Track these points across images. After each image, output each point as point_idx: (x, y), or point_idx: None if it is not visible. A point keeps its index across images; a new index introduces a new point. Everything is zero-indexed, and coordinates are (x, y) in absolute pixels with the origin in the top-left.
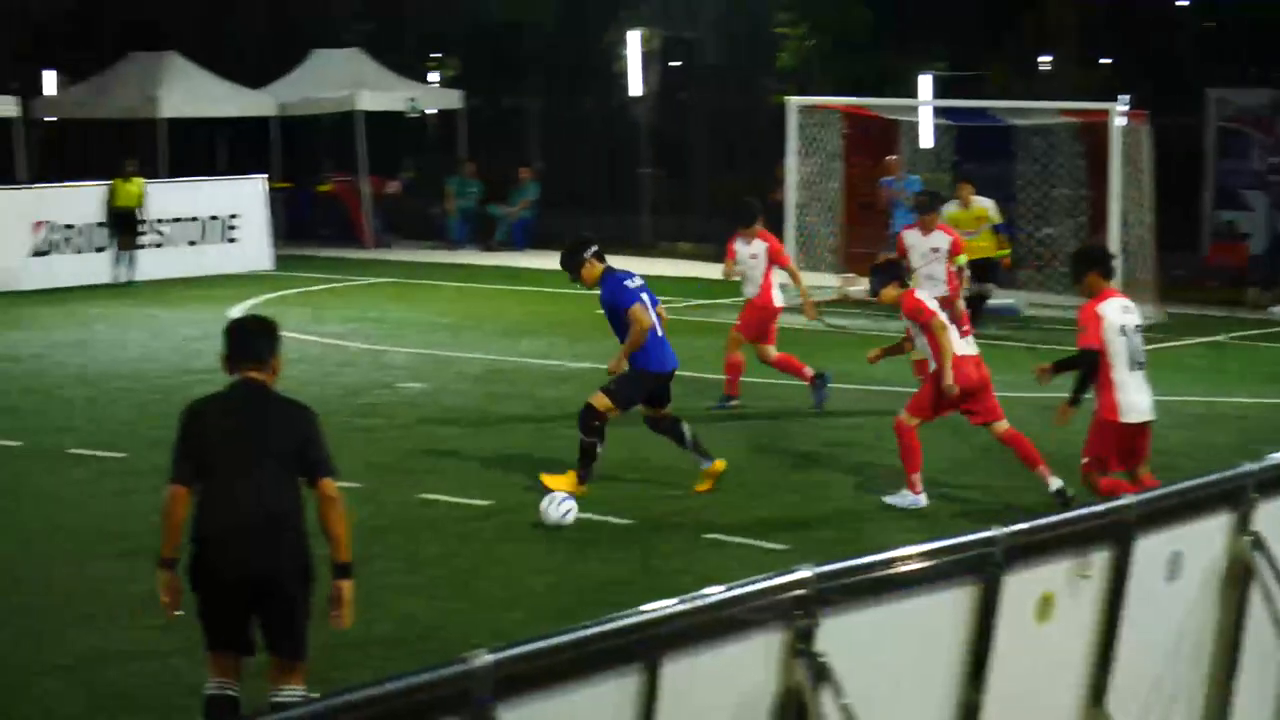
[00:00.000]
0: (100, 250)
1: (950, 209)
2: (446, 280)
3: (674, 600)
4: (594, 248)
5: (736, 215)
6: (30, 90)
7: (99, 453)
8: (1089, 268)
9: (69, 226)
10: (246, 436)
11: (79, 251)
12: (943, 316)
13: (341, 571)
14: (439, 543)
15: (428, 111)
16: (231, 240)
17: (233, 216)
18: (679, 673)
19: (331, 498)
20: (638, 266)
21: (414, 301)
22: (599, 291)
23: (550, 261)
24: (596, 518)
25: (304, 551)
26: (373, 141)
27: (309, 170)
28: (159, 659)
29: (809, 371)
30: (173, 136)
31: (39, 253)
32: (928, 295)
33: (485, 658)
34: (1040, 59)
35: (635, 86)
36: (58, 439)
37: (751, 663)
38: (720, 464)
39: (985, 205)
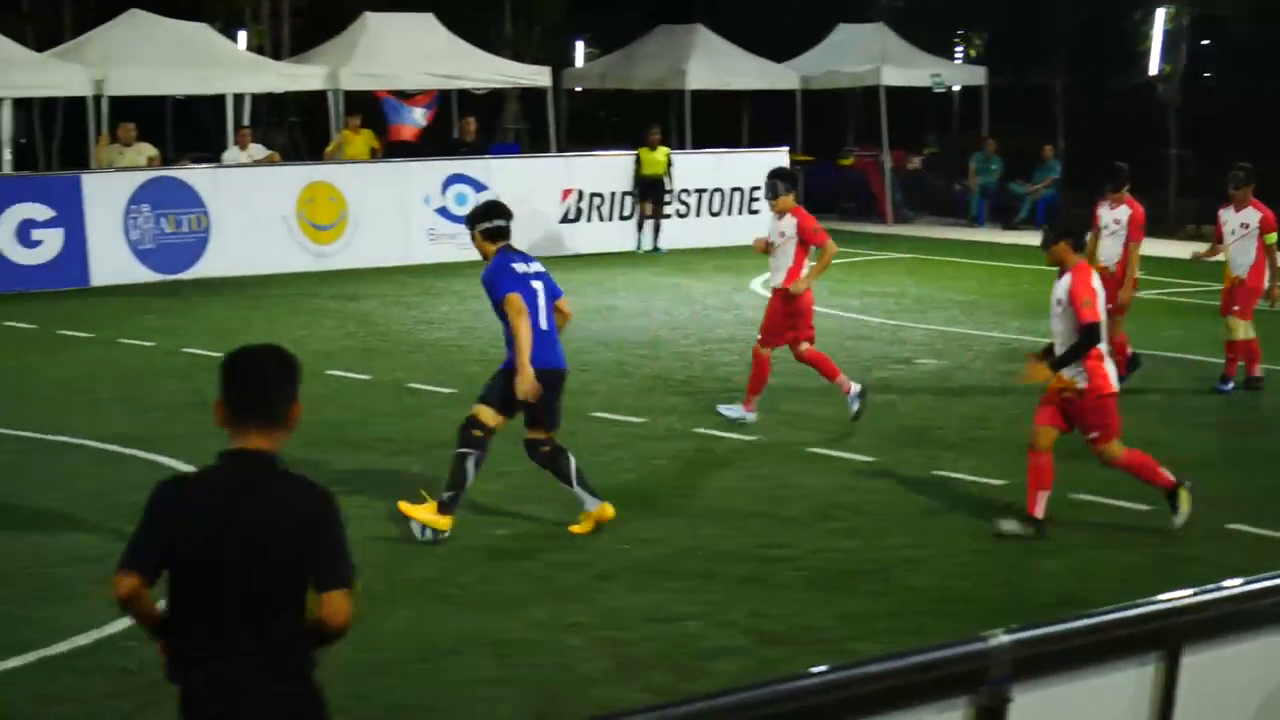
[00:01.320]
0: (625, 219)
1: None
2: (966, 257)
3: (1195, 590)
4: (488, 224)
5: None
6: (562, 61)
7: (622, 417)
8: (1061, 238)
9: (596, 194)
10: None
11: (605, 219)
12: None
13: None
14: (948, 520)
15: (952, 88)
16: (754, 212)
17: (755, 189)
18: (1200, 664)
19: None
20: (1163, 249)
21: (933, 278)
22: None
23: None
24: (1113, 502)
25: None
26: (895, 116)
27: (831, 144)
28: (675, 622)
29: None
30: (697, 108)
31: (566, 219)
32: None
33: (1002, 638)
34: None
35: (1154, 65)
36: (580, 402)
37: (1276, 657)
38: (608, 510)
39: None
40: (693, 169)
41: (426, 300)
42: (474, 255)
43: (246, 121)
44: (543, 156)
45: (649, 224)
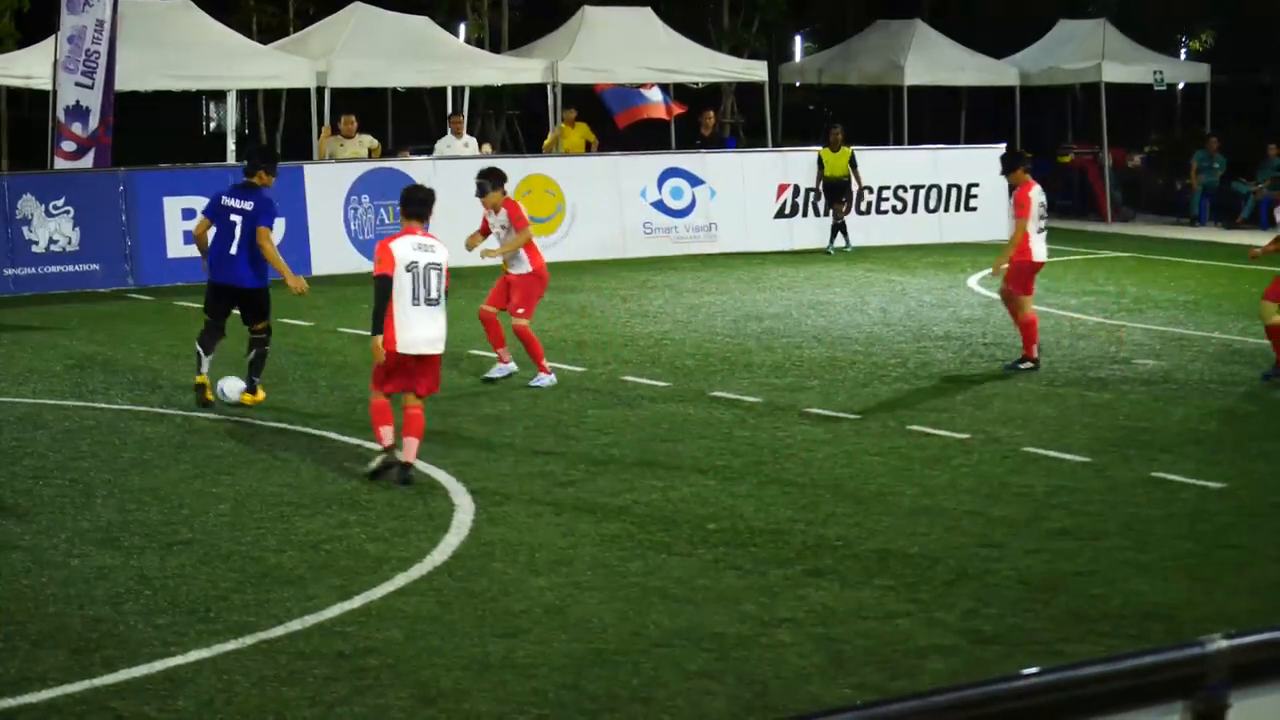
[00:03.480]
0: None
1: None
2: (1187, 257)
3: None
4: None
5: None
6: (780, 56)
7: (835, 413)
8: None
9: (811, 190)
10: None
11: (820, 215)
12: None
13: None
14: (1170, 522)
15: (1175, 85)
16: (971, 209)
17: (972, 185)
18: None
19: None
20: None
21: (1153, 277)
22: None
23: None
24: None
25: None
26: (1115, 114)
27: (1050, 141)
28: (887, 620)
29: None
30: (915, 104)
31: (782, 214)
32: None
33: (1221, 642)
34: None
35: None
36: (793, 398)
37: None
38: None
39: None
40: (910, 165)
41: (641, 293)
42: (689, 249)
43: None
44: (759, 151)
45: (836, 227)
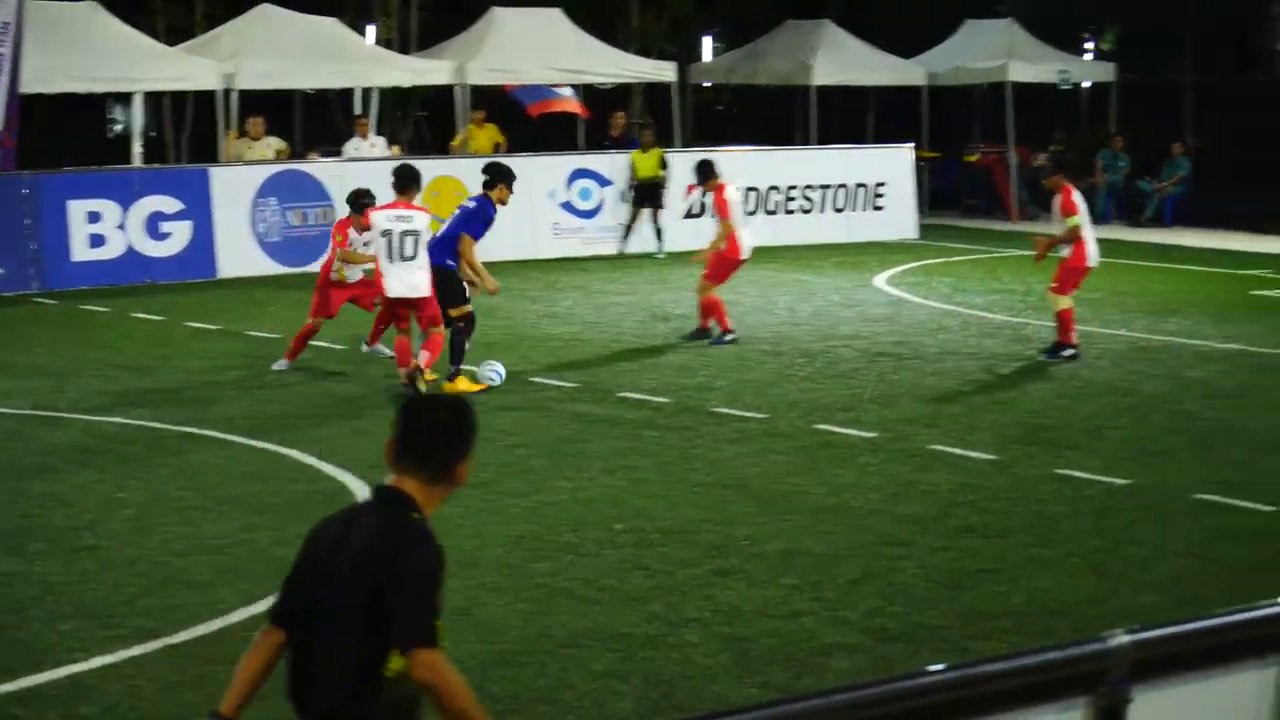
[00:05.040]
0: (749, 214)
1: None
2: None
3: None
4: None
5: None
6: (689, 56)
7: (742, 413)
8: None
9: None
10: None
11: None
12: None
13: None
14: (1075, 519)
15: (1080, 84)
16: (878, 208)
17: (880, 184)
18: None
19: (430, 679)
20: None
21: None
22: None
23: (1204, 240)
24: (1237, 503)
25: None
26: (1021, 113)
27: (957, 140)
28: (792, 618)
29: None
30: (824, 104)
31: (690, 215)
32: None
33: (1123, 638)
34: None
35: None
36: (701, 398)
37: None
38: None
39: None
40: (818, 165)
41: (550, 294)
42: (598, 250)
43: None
44: (668, 152)
45: (649, 229)
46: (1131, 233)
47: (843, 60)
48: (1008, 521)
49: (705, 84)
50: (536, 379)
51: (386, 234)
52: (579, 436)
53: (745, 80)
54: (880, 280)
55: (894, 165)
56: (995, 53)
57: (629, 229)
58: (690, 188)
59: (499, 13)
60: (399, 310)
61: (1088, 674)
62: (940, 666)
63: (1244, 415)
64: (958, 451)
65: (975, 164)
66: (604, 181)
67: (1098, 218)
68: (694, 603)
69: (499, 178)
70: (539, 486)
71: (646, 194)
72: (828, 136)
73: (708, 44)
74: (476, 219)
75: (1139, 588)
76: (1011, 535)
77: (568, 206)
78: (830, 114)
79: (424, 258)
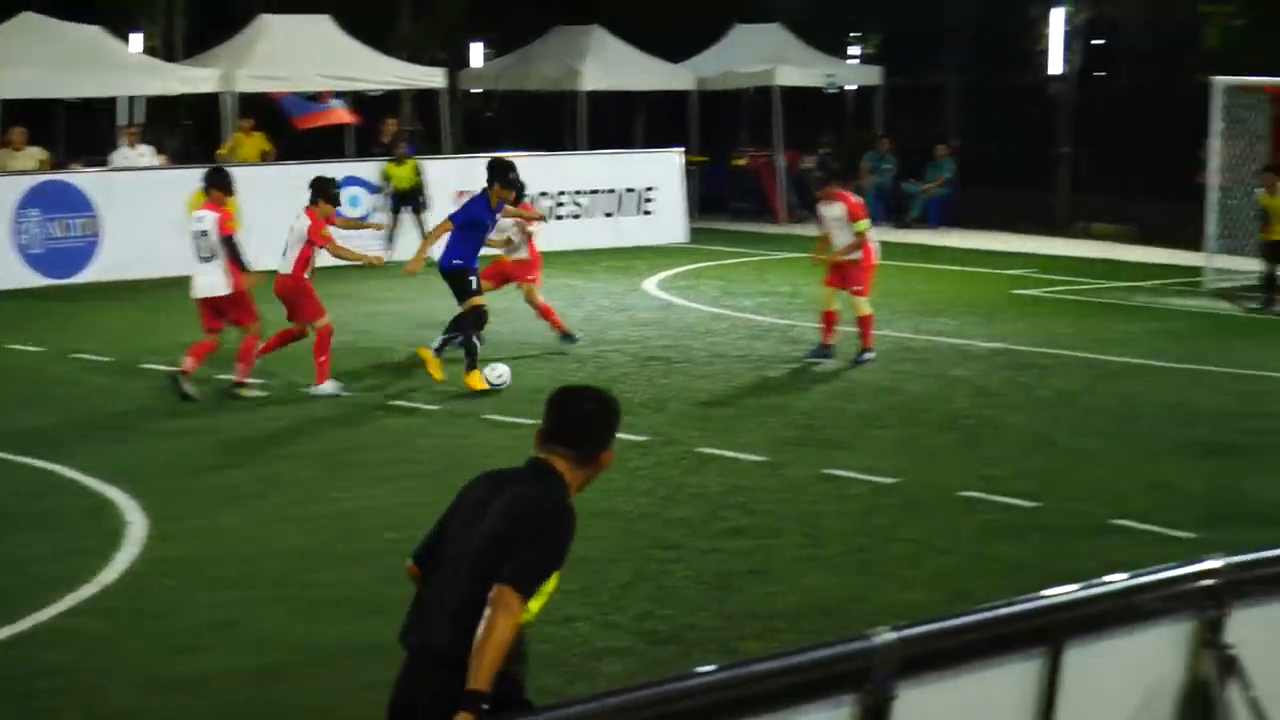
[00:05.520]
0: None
1: (1261, 195)
2: None
3: (1078, 586)
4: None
5: None
6: (459, 62)
7: (513, 419)
8: None
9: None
10: (464, 525)
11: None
12: None
13: (468, 700)
14: (843, 518)
15: (846, 87)
16: (648, 213)
17: (649, 189)
18: (1082, 659)
19: (495, 611)
20: (1052, 246)
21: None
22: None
23: (968, 240)
24: (1000, 499)
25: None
26: (790, 117)
27: (726, 144)
28: (565, 624)
29: None
30: (593, 109)
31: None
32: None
33: (888, 635)
34: None
35: (1056, 64)
36: (472, 405)
37: (1157, 652)
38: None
39: None
40: (587, 170)
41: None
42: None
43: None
44: (436, 158)
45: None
46: (897, 234)
47: (611, 65)
48: (777, 522)
49: (475, 90)
50: (306, 389)
51: (191, 236)
52: (351, 446)
53: (515, 86)
54: (650, 284)
55: (663, 169)
56: (763, 57)
57: (390, 235)
58: (459, 193)
59: (267, 19)
60: (204, 311)
61: (854, 671)
62: (710, 667)
63: (1007, 413)
64: (727, 454)
65: (744, 167)
66: (373, 189)
67: None
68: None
69: (491, 175)
70: (311, 497)
71: (406, 200)
72: (598, 141)
73: (477, 50)
74: (461, 210)
75: (906, 585)
76: (781, 535)
77: (337, 214)
78: (600, 119)
79: (221, 258)
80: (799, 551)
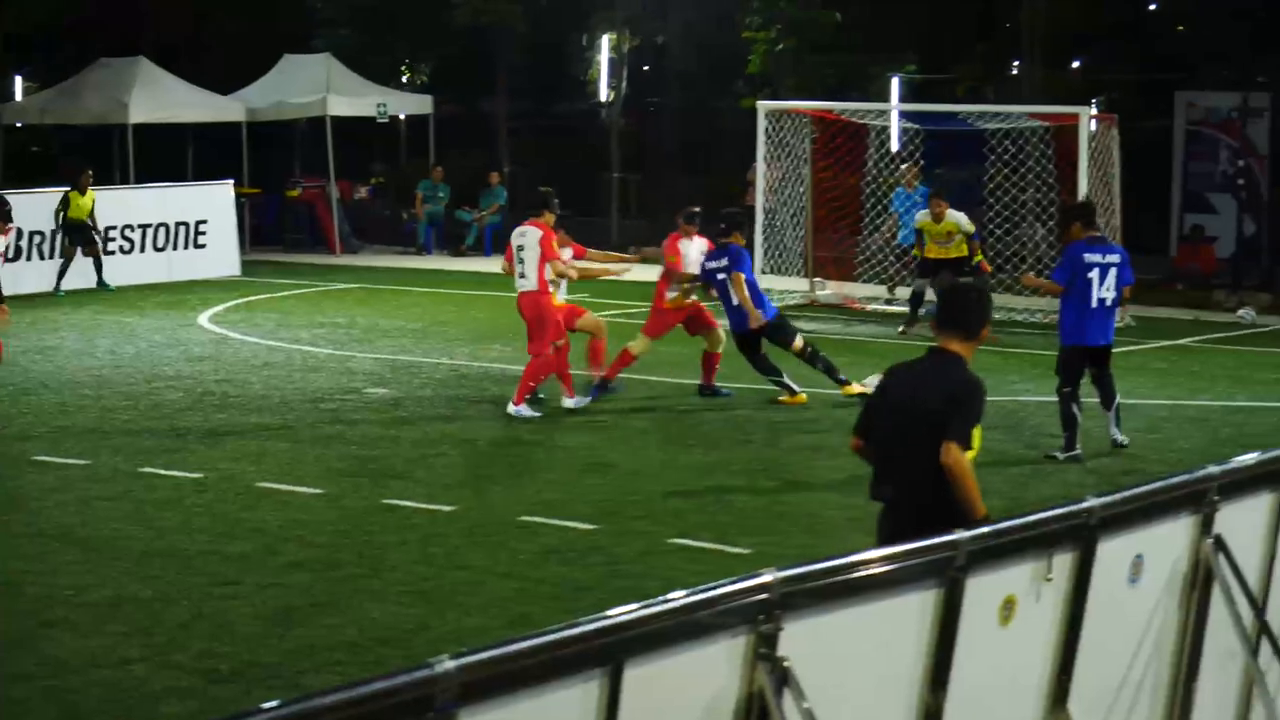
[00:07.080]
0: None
1: (922, 218)
2: (414, 285)
3: (637, 604)
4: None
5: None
6: (2, 96)
7: (64, 460)
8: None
9: (37, 233)
10: (902, 407)
11: (46, 258)
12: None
13: (980, 523)
14: (402, 548)
15: (398, 116)
16: (200, 246)
17: (201, 222)
18: (643, 676)
19: (948, 465)
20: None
21: (381, 307)
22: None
23: None
24: (559, 523)
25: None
26: (342, 147)
27: (278, 176)
28: (122, 667)
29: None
30: (142, 142)
31: (7, 259)
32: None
33: (449, 663)
34: (1011, 61)
35: (605, 91)
36: (21, 447)
37: (715, 666)
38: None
39: (957, 219)
40: (136, 204)
41: None
42: None
43: None
44: None
45: (89, 263)
46: (452, 262)
47: (159, 97)
48: (337, 554)
49: (18, 125)
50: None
51: None
52: None
53: (61, 120)
54: (204, 319)
55: (214, 202)
56: (314, 87)
57: (64, 269)
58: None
59: None
60: None
61: (417, 700)
62: (273, 704)
63: (561, 434)
64: (285, 487)
65: (297, 199)
66: None
67: (420, 248)
68: (18, 658)
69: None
70: None
71: (77, 233)
72: (149, 174)
73: (19, 83)
74: (748, 264)
75: (466, 611)
76: (341, 567)
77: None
78: (149, 152)
79: None
80: (359, 583)
